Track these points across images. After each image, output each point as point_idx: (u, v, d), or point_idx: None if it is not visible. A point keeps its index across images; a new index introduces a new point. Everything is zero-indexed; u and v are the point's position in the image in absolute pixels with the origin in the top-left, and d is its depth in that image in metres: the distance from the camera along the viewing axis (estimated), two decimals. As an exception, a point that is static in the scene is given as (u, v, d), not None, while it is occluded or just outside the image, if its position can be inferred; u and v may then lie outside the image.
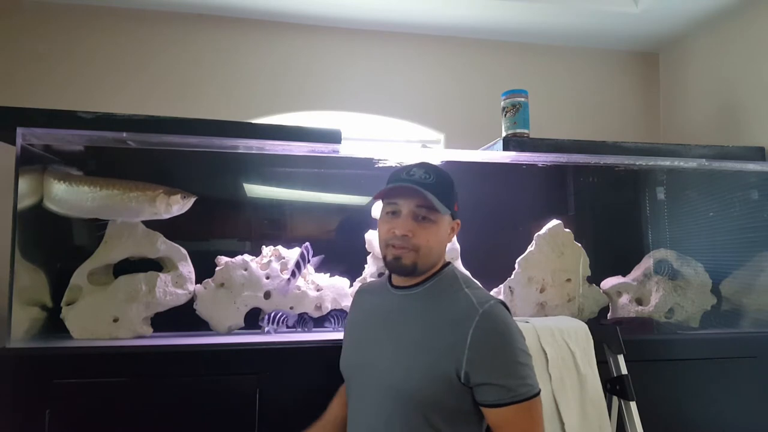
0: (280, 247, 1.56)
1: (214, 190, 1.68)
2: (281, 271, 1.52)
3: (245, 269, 1.49)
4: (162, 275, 1.43)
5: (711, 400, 1.47)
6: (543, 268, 1.61)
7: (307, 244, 1.50)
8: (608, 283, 1.72)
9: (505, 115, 1.69)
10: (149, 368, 1.23)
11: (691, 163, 1.70)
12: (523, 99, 1.68)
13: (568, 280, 1.62)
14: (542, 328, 1.34)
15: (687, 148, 1.72)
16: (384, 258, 1.03)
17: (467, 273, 1.24)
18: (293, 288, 1.50)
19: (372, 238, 1.56)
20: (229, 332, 1.47)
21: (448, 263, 1.07)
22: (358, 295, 1.18)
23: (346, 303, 1.56)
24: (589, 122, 2.26)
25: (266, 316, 1.46)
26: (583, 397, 1.31)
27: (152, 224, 1.44)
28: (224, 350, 1.28)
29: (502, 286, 1.61)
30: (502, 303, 0.97)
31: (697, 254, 1.72)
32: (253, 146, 1.47)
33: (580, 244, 1.64)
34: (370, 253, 1.58)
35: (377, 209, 1.41)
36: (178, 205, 1.42)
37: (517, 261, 1.62)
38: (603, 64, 2.32)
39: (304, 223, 1.80)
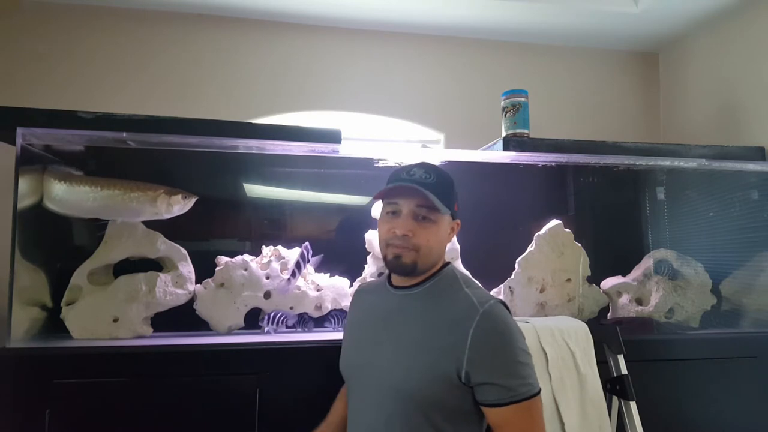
0: (280, 247, 1.56)
1: (214, 190, 1.68)
2: (281, 271, 1.52)
3: (245, 269, 1.49)
4: (162, 275, 1.43)
5: (711, 400, 1.47)
6: (543, 268, 1.61)
7: (307, 243, 1.50)
8: (608, 283, 1.72)
9: (505, 115, 1.69)
10: (149, 368, 1.23)
11: (691, 163, 1.70)
12: (523, 99, 1.68)
13: (568, 280, 1.62)
14: (542, 328, 1.34)
15: (687, 148, 1.72)
16: (384, 257, 1.03)
17: (467, 273, 1.24)
18: (293, 288, 1.50)
19: (372, 238, 1.56)
20: (229, 332, 1.47)
21: (448, 263, 1.07)
22: (358, 295, 1.18)
23: (346, 303, 1.56)
24: (589, 122, 2.26)
25: (266, 316, 1.46)
26: (583, 397, 1.31)
27: (152, 224, 1.44)
28: (224, 350, 1.28)
29: (502, 286, 1.61)
30: (502, 303, 0.97)
31: (697, 254, 1.72)
32: (253, 146, 1.47)
33: (580, 244, 1.64)
34: (370, 253, 1.58)
35: (377, 209, 1.41)
36: (179, 206, 1.42)
37: (517, 261, 1.62)
38: (603, 64, 2.32)
39: (304, 223, 1.80)
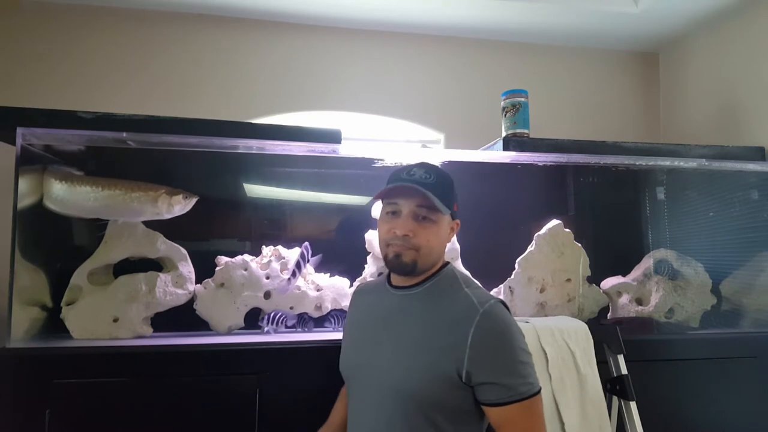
0: (280, 247, 1.56)
1: (214, 190, 1.68)
2: (281, 271, 1.52)
3: (245, 269, 1.49)
4: (162, 275, 1.43)
5: (711, 400, 1.47)
6: (543, 268, 1.61)
7: (307, 243, 1.50)
8: (608, 283, 1.72)
9: (505, 115, 1.69)
10: (149, 368, 1.23)
11: (691, 163, 1.70)
12: (523, 99, 1.68)
13: (568, 280, 1.62)
14: (542, 328, 1.34)
15: (687, 148, 1.72)
16: (384, 257, 1.03)
17: (467, 273, 1.24)
18: (293, 288, 1.50)
19: (372, 238, 1.56)
20: (229, 332, 1.47)
21: (447, 263, 1.07)
22: (357, 296, 1.18)
23: (346, 303, 1.56)
24: (589, 122, 2.26)
25: (266, 316, 1.46)
26: (583, 397, 1.31)
27: (152, 224, 1.44)
28: (224, 350, 1.28)
29: (502, 286, 1.61)
30: (502, 302, 0.98)
31: (697, 254, 1.72)
32: (253, 146, 1.47)
33: (580, 244, 1.64)
34: (370, 253, 1.58)
35: (377, 209, 1.41)
36: (180, 206, 1.42)
37: (517, 261, 1.62)
38: (603, 64, 2.32)
39: (304, 223, 1.80)
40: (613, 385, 1.35)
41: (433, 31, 2.14)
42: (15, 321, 1.25)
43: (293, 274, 1.47)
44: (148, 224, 1.44)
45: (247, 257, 1.51)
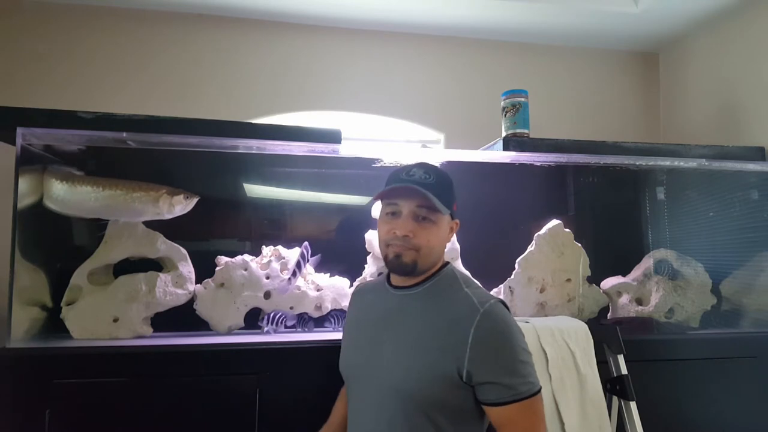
0: (280, 247, 1.56)
1: (214, 190, 1.68)
2: (281, 271, 1.52)
3: (245, 269, 1.49)
4: (162, 275, 1.43)
5: (711, 400, 1.47)
6: (543, 268, 1.61)
7: (306, 243, 1.50)
8: (608, 283, 1.72)
9: (505, 115, 1.69)
10: (149, 368, 1.23)
11: (691, 163, 1.70)
12: (523, 99, 1.68)
13: (568, 280, 1.62)
14: (542, 328, 1.34)
15: (687, 148, 1.72)
16: (384, 257, 1.03)
17: (467, 273, 1.24)
18: (293, 288, 1.50)
19: (372, 238, 1.56)
20: (229, 332, 1.47)
21: (447, 263, 1.07)
22: (356, 295, 1.18)
23: (346, 303, 1.55)
24: (589, 122, 2.26)
25: (266, 316, 1.46)
26: (583, 397, 1.31)
27: (152, 224, 1.44)
28: (224, 350, 1.28)
29: (502, 286, 1.61)
30: (502, 302, 0.98)
31: (697, 254, 1.72)
32: (253, 146, 1.47)
33: (580, 244, 1.64)
34: (370, 253, 1.58)
35: (377, 209, 1.41)
36: (181, 206, 1.42)
37: (517, 261, 1.62)
38: (603, 64, 2.32)
39: (304, 223, 1.80)
40: (613, 385, 1.35)
41: (433, 31, 2.14)
42: (15, 321, 1.25)
43: (293, 274, 1.47)
44: (148, 224, 1.44)
45: (247, 257, 1.51)
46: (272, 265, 1.52)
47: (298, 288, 1.52)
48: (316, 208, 1.81)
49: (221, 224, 1.72)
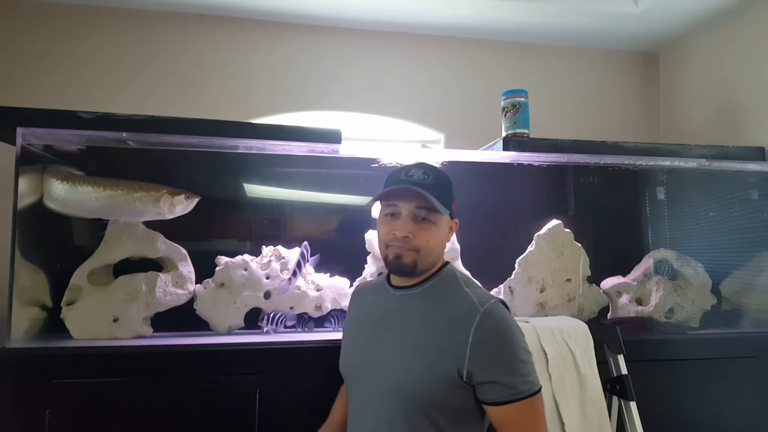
0: (280, 247, 1.56)
1: (214, 190, 1.68)
2: (281, 271, 1.52)
3: (245, 269, 1.49)
4: (162, 275, 1.43)
5: (711, 400, 1.47)
6: (543, 268, 1.61)
7: (306, 243, 1.50)
8: (608, 283, 1.72)
9: (505, 115, 1.69)
10: (149, 368, 1.23)
11: (691, 163, 1.70)
12: (523, 99, 1.68)
13: (568, 280, 1.62)
14: (542, 328, 1.34)
15: (687, 148, 1.72)
16: (384, 258, 1.03)
17: (467, 273, 1.24)
18: (293, 288, 1.50)
19: (372, 238, 1.56)
20: (229, 332, 1.47)
21: (447, 263, 1.07)
22: (356, 295, 1.18)
23: (346, 303, 1.55)
24: (589, 122, 2.26)
25: (266, 316, 1.46)
26: (583, 397, 1.31)
27: (152, 224, 1.44)
28: (224, 350, 1.28)
29: (502, 286, 1.61)
30: (502, 302, 0.98)
31: (697, 254, 1.72)
32: (253, 146, 1.47)
33: (580, 244, 1.64)
34: (370, 253, 1.58)
35: (377, 209, 1.41)
36: (182, 206, 1.42)
37: (517, 261, 1.62)
38: (603, 64, 2.32)
39: (304, 223, 1.80)
40: (613, 385, 1.35)
41: (433, 31, 2.14)
42: (15, 321, 1.25)
43: (293, 274, 1.47)
44: (148, 224, 1.44)
45: (247, 257, 1.51)
46: (272, 265, 1.52)
47: (298, 288, 1.52)
48: (316, 208, 1.81)
49: (221, 224, 1.72)
